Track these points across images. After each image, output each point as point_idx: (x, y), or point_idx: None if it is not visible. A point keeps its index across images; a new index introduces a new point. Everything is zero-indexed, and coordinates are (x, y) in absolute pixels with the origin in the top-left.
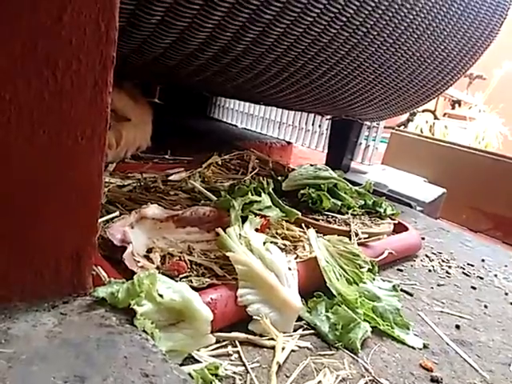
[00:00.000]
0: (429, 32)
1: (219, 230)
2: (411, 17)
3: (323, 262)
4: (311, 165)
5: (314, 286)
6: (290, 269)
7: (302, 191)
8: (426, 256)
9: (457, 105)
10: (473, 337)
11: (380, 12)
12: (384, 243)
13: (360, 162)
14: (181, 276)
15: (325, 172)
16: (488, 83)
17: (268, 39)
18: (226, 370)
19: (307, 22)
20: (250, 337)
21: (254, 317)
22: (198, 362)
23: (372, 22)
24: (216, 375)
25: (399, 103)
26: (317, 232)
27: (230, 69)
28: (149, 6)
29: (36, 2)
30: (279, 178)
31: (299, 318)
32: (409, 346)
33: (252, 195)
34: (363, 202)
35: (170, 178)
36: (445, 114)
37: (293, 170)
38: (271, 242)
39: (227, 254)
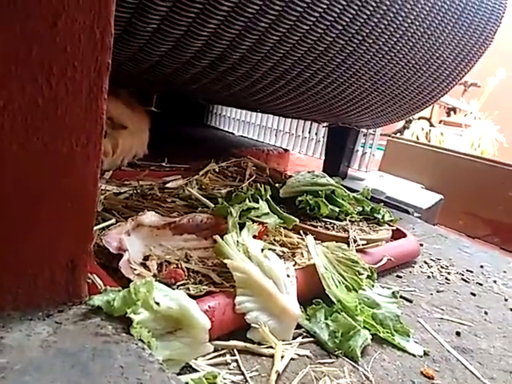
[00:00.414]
0: (423, 40)
1: (217, 237)
2: (406, 25)
3: (322, 269)
4: (308, 172)
5: (312, 293)
6: (288, 276)
7: (299, 198)
8: (425, 262)
9: (452, 112)
10: (473, 344)
11: (375, 20)
12: (382, 250)
13: (357, 169)
14: (178, 284)
15: (322, 179)
16: (483, 91)
17: (264, 47)
18: (224, 379)
19: (303, 30)
20: (249, 345)
21: (253, 325)
22: (195, 371)
23: (367, 30)
24: None
25: (395, 110)
26: (315, 239)
27: (227, 77)
28: (145, 14)
29: (30, 9)
30: (276, 184)
31: (298, 326)
32: (409, 354)
33: (249, 202)
34: (361, 209)
35: (167, 185)
36: (440, 122)
37: (290, 176)
38: (269, 249)
39: (225, 261)
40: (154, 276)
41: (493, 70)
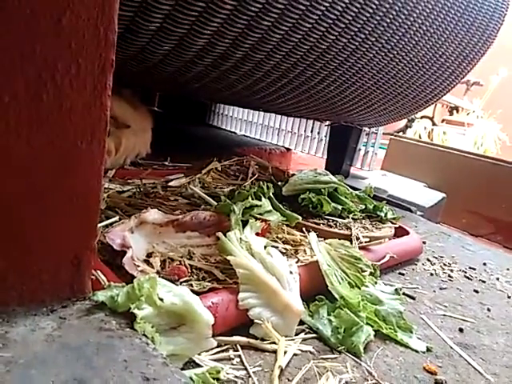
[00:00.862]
0: (426, 38)
1: (220, 234)
2: (409, 23)
3: (325, 266)
4: (311, 170)
5: (315, 290)
6: (291, 272)
7: (302, 196)
8: (428, 260)
9: (455, 111)
10: (476, 340)
11: (378, 18)
12: (385, 247)
13: (359, 168)
14: (181, 280)
15: (325, 177)
16: (485, 89)
17: (267, 45)
18: (227, 374)
19: (306, 28)
20: (252, 341)
21: (256, 320)
22: (199, 366)
23: (370, 29)
24: (218, 379)
25: (398, 109)
26: (318, 236)
27: (229, 75)
28: (148, 12)
29: (35, 6)
30: (279, 183)
31: (301, 322)
32: (412, 350)
33: (252, 199)
34: (364, 207)
35: (170, 183)
36: (443, 121)
37: (293, 175)
38: (272, 246)
39: (228, 257)
40: (158, 273)
41: (495, 68)
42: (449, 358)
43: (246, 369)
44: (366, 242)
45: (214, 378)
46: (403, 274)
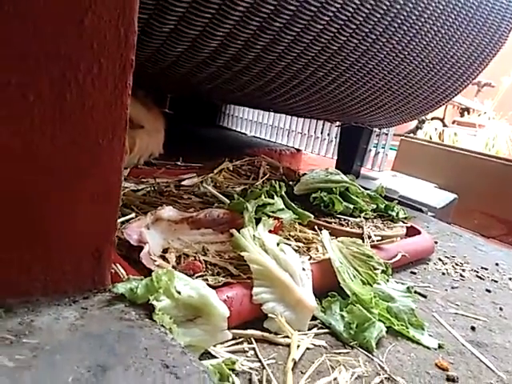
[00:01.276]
0: (437, 39)
1: (233, 230)
2: (419, 24)
3: (337, 263)
4: (322, 169)
5: (327, 287)
6: (304, 269)
7: (313, 195)
8: (439, 259)
9: (466, 112)
10: (488, 338)
11: (389, 19)
12: (397, 246)
13: (370, 169)
14: (196, 275)
15: (336, 176)
16: (496, 90)
17: (278, 47)
18: (242, 365)
19: (317, 29)
20: (266, 334)
21: (269, 315)
22: (214, 357)
23: (381, 30)
24: (233, 370)
25: (408, 109)
26: (329, 234)
27: (241, 76)
28: (162, 14)
29: (58, 7)
30: (290, 182)
31: (314, 318)
32: (424, 346)
33: (265, 198)
34: (375, 206)
35: (183, 182)
36: (454, 122)
37: (304, 174)
38: (285, 244)
39: (242, 253)
40: (173, 267)
41: (507, 69)
42: (460, 355)
43: (260, 361)
44: (377, 241)
45: (229, 369)
46: (415, 273)
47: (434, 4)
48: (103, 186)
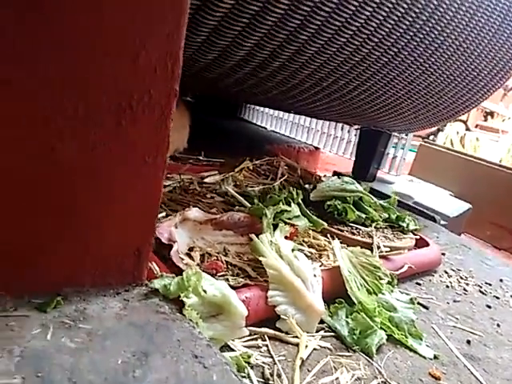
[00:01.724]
0: (459, 52)
1: (253, 235)
2: (441, 38)
3: (346, 272)
4: (338, 177)
5: (335, 293)
6: (315, 275)
7: (328, 202)
8: (445, 272)
9: (489, 116)
10: (482, 352)
11: (411, 34)
12: (404, 257)
13: (387, 172)
14: (218, 274)
15: (351, 185)
16: None
17: (303, 57)
18: (256, 359)
19: (340, 42)
20: (278, 333)
21: (282, 316)
22: (233, 350)
23: (403, 43)
24: (248, 363)
25: (428, 118)
26: (341, 242)
27: (266, 82)
28: (196, 27)
29: (119, 49)
30: (306, 186)
31: (321, 321)
32: (420, 356)
33: (283, 205)
34: (387, 216)
35: (205, 180)
36: (477, 126)
37: (320, 178)
38: (298, 250)
39: (260, 258)
40: (198, 265)
41: None
42: (453, 367)
43: (272, 357)
44: (386, 252)
45: (245, 362)
46: (420, 284)
47: (456, 20)
48: (146, 196)
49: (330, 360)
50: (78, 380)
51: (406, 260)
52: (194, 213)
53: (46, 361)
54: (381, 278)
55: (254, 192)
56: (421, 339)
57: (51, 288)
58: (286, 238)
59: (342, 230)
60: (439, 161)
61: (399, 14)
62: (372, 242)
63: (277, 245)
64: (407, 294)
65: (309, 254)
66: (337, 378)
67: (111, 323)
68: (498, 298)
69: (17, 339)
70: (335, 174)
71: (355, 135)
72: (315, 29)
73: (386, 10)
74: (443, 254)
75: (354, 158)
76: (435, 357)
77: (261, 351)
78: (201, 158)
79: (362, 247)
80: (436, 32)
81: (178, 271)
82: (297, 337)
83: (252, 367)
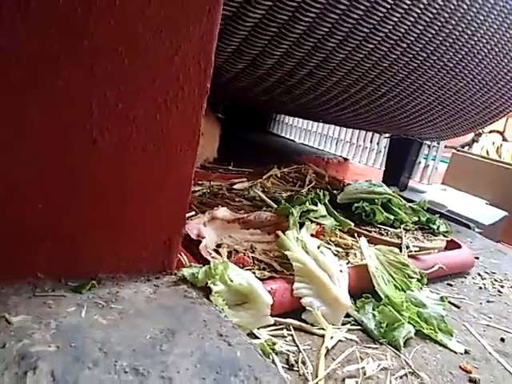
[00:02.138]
0: (490, 57)
1: (279, 232)
2: (472, 42)
3: (373, 268)
4: (366, 180)
5: (362, 290)
6: (341, 271)
7: (356, 204)
8: (479, 274)
9: None
10: None
11: (440, 39)
12: (435, 257)
13: (419, 181)
14: (245, 268)
15: (379, 188)
16: None
17: (330, 64)
18: (281, 347)
19: (368, 48)
20: (303, 324)
21: (307, 308)
22: (258, 338)
23: (432, 48)
24: (273, 350)
25: (459, 124)
26: (368, 242)
27: (294, 90)
28: (227, 37)
29: (157, 49)
30: (334, 191)
31: (347, 315)
32: (450, 350)
33: (309, 204)
34: (417, 219)
35: (234, 186)
36: None
37: (348, 184)
38: (325, 247)
39: (286, 252)
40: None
41: None
42: (486, 362)
43: (297, 346)
44: (415, 251)
45: (270, 348)
46: (451, 285)
47: (487, 24)
48: (178, 187)
49: (356, 350)
50: (109, 351)
51: (436, 260)
52: (222, 212)
53: (79, 334)
54: (409, 276)
55: (281, 197)
56: (451, 335)
57: (87, 272)
58: (311, 236)
59: (369, 231)
60: (473, 169)
61: (428, 20)
62: (401, 243)
63: (303, 241)
64: (438, 294)
65: (335, 253)
66: (363, 367)
67: (142, 305)
68: None
69: (53, 315)
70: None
71: (385, 147)
72: (343, 36)
73: (415, 15)
74: (477, 258)
75: (383, 168)
76: (466, 352)
77: (286, 340)
78: (230, 167)
79: (389, 247)
80: (466, 36)
81: (207, 263)
82: (322, 329)
83: (277, 354)
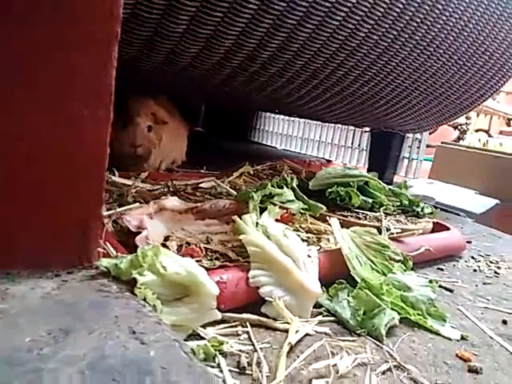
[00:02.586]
0: (465, 34)
1: (235, 217)
2: (444, 18)
3: (346, 250)
4: (340, 165)
5: (336, 276)
6: (309, 256)
7: (329, 189)
8: (472, 257)
9: None
10: None
11: (410, 14)
12: (421, 240)
13: (404, 176)
14: (194, 260)
15: (354, 171)
16: None
17: (294, 45)
18: (231, 347)
19: (333, 26)
20: (263, 319)
21: (267, 299)
22: (203, 339)
23: (402, 25)
24: (220, 351)
25: (440, 111)
26: (344, 227)
27: (258, 77)
28: (174, 14)
29: None
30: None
31: (319, 306)
32: (444, 337)
33: (274, 188)
34: (399, 203)
35: (201, 185)
36: (501, 132)
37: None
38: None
39: (240, 236)
40: None
41: None
42: (488, 348)
43: (252, 344)
44: (397, 233)
45: (215, 350)
46: (442, 270)
47: None
48: (87, 157)
49: (327, 344)
50: None
51: (422, 242)
52: (171, 201)
53: None
54: (391, 258)
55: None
56: (444, 320)
57: None
58: (276, 221)
59: (345, 216)
60: (460, 161)
61: None
62: (380, 226)
63: (264, 226)
64: (425, 278)
65: (305, 239)
66: (334, 364)
67: (34, 302)
68: None
69: None
70: None
71: (366, 146)
72: (304, 12)
73: None
74: (469, 242)
75: (367, 166)
76: (463, 338)
77: (239, 339)
78: (202, 171)
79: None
80: (437, 11)
81: None
82: (287, 323)
83: (225, 355)
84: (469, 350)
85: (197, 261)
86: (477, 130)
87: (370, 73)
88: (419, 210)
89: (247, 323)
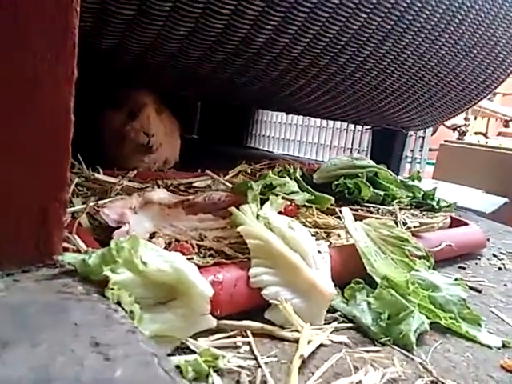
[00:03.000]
0: (469, 19)
1: (232, 208)
2: (447, 3)
3: (362, 243)
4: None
5: (350, 275)
6: (319, 252)
7: (336, 182)
8: (494, 255)
9: (510, 123)
10: None
11: None
12: (440, 235)
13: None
14: (186, 258)
15: (362, 161)
16: None
17: (291, 28)
18: (229, 362)
19: (332, 7)
20: (267, 327)
21: (271, 301)
22: (193, 352)
23: (402, 9)
24: (214, 367)
25: (445, 104)
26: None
27: (253, 65)
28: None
29: None
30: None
31: (333, 310)
32: (482, 345)
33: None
34: (411, 196)
35: (195, 184)
36: (499, 134)
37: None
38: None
39: (238, 228)
40: None
41: None
42: None
43: (255, 358)
44: (414, 227)
45: (209, 366)
46: (464, 268)
47: None
48: (46, 125)
49: (348, 357)
50: None
51: (443, 238)
52: (158, 194)
53: None
54: (412, 255)
55: None
56: (479, 324)
57: None
58: (280, 213)
59: (355, 210)
60: (463, 159)
61: None
62: (395, 220)
63: (266, 218)
64: (450, 277)
65: (313, 234)
66: (359, 382)
67: None
68: None
69: None
70: None
71: (367, 147)
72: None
73: None
74: (487, 240)
75: None
76: (504, 345)
77: (239, 352)
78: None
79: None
80: None
81: None
82: (296, 331)
83: (220, 373)
84: None
85: (187, 259)
86: (475, 133)
87: (371, 62)
88: (434, 203)
89: (248, 332)
